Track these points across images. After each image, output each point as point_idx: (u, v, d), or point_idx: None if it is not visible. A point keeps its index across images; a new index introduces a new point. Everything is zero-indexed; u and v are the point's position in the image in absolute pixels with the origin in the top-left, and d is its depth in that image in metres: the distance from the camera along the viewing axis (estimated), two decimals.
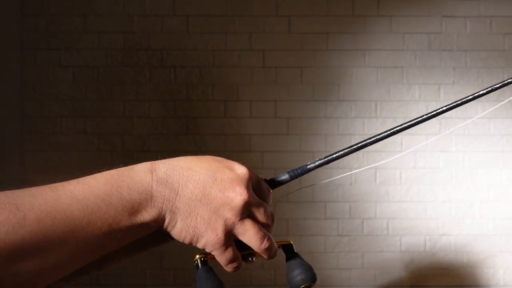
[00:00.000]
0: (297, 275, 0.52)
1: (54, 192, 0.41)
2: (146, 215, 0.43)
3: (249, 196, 0.45)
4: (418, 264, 2.34)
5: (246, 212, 0.46)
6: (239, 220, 0.45)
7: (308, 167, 0.56)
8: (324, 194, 2.34)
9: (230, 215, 0.45)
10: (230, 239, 0.46)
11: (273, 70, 2.34)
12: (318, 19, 2.34)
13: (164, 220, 0.44)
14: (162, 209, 0.44)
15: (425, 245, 2.35)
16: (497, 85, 0.60)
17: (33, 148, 2.32)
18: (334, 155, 0.57)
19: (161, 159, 0.49)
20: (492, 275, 2.34)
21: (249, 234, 0.46)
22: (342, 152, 0.58)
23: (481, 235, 2.34)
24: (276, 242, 0.51)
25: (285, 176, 0.55)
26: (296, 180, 0.57)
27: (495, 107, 0.66)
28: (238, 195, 0.45)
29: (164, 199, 0.44)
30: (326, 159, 0.57)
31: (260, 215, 0.47)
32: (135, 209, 0.42)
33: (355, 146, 0.57)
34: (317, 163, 0.56)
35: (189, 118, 2.34)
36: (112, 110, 2.33)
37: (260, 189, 0.50)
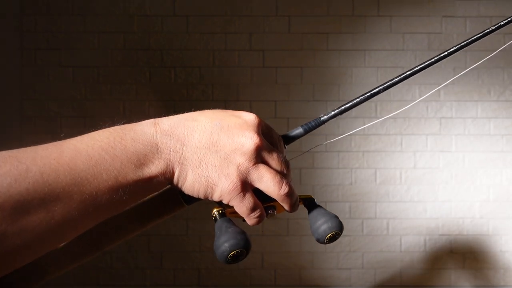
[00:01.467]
0: (322, 223, 0.49)
1: (57, 146, 0.40)
2: (153, 168, 0.41)
3: (260, 140, 0.43)
4: (418, 264, 2.35)
5: (259, 157, 0.43)
6: (253, 165, 0.43)
7: (322, 119, 0.54)
8: (324, 194, 2.34)
9: (242, 160, 0.43)
10: (247, 185, 0.43)
11: (273, 70, 2.34)
12: (318, 19, 2.34)
13: (173, 173, 0.42)
14: (169, 161, 0.42)
15: (425, 245, 2.35)
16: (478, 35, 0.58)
17: None
18: (347, 105, 0.54)
19: None
20: (492, 275, 2.34)
21: (265, 180, 0.43)
22: (355, 101, 0.54)
23: (481, 235, 2.34)
24: (300, 197, 0.48)
25: (298, 130, 0.53)
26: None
27: (436, 89, 0.65)
28: (249, 139, 0.43)
29: (170, 150, 0.42)
30: (340, 109, 0.54)
31: (273, 161, 0.45)
32: (141, 161, 0.41)
33: (367, 94, 0.55)
34: (331, 114, 0.53)
35: None
36: (112, 110, 2.34)
37: (271, 137, 0.47)
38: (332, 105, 2.34)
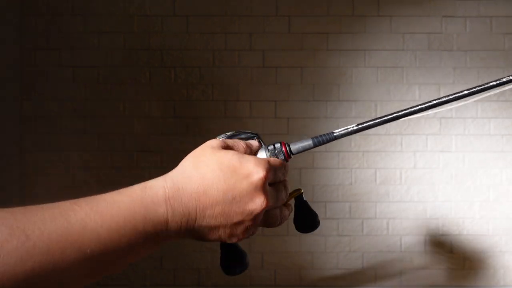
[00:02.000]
0: (306, 219, 0.56)
1: (64, 217, 0.39)
2: (163, 240, 0.44)
3: (267, 201, 0.47)
4: (418, 264, 2.34)
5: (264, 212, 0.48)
6: (257, 222, 0.49)
7: (334, 134, 0.54)
8: (324, 194, 2.34)
9: (250, 223, 0.48)
10: (256, 222, 0.48)
11: (273, 70, 2.34)
12: (318, 19, 2.34)
13: (185, 235, 0.46)
14: (180, 232, 0.44)
15: (425, 245, 2.34)
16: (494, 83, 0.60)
17: (33, 148, 2.32)
18: (364, 124, 0.55)
19: (170, 172, 0.48)
20: (492, 275, 2.34)
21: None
22: (373, 122, 0.55)
23: (481, 235, 2.34)
24: (290, 195, 0.54)
25: (308, 142, 0.54)
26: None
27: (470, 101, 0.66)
28: (258, 206, 0.46)
29: (181, 227, 0.44)
30: (357, 128, 0.54)
31: (277, 204, 0.51)
32: (150, 239, 0.42)
33: (388, 117, 0.55)
34: (344, 131, 0.54)
35: (189, 118, 2.34)
36: (112, 110, 2.33)
37: (277, 176, 0.50)
38: (332, 105, 2.34)
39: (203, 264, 2.33)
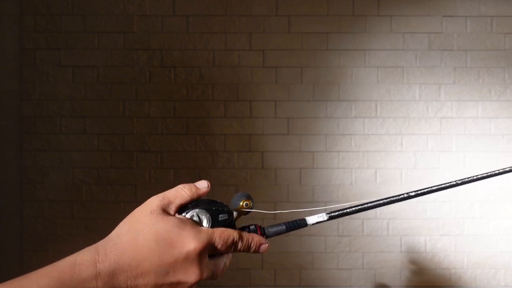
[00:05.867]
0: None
1: None
2: None
3: (200, 276, 0.47)
4: (418, 264, 2.34)
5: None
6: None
7: (308, 222, 0.57)
8: (324, 194, 2.34)
9: None
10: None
11: (273, 70, 2.34)
12: (318, 19, 2.34)
13: None
14: None
15: (425, 245, 2.34)
16: None
17: (33, 148, 2.32)
18: (337, 213, 0.58)
19: (104, 239, 0.47)
20: (492, 275, 2.34)
21: None
22: (346, 211, 0.58)
23: (481, 235, 2.34)
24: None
25: (281, 227, 0.56)
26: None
27: None
28: (192, 279, 0.46)
29: None
30: (329, 215, 0.58)
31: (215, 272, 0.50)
32: None
33: (362, 206, 0.59)
34: (318, 220, 0.57)
35: (189, 118, 2.34)
36: (112, 110, 2.33)
37: (219, 250, 0.49)
38: (332, 105, 2.34)
39: None
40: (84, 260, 0.43)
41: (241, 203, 0.54)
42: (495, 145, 2.33)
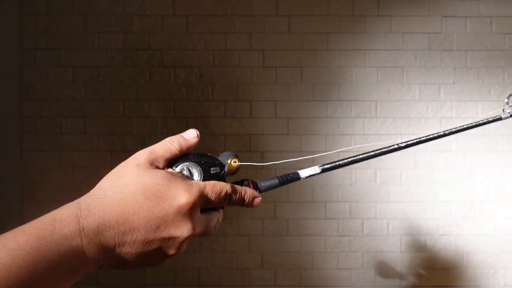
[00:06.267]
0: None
1: None
2: (83, 270, 0.40)
3: (193, 231, 0.44)
4: (418, 264, 2.34)
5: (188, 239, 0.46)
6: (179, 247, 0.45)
7: (300, 175, 0.56)
8: (324, 194, 2.34)
9: (173, 250, 0.45)
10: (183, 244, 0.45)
11: (273, 70, 2.34)
12: (318, 19, 2.34)
13: (105, 264, 0.42)
14: (99, 261, 0.40)
15: (425, 245, 2.34)
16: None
17: (33, 148, 2.32)
18: (329, 165, 0.57)
19: (86, 195, 0.43)
20: (492, 275, 2.34)
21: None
22: (337, 163, 0.58)
23: (481, 235, 2.34)
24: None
25: (274, 181, 0.55)
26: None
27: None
28: (184, 233, 0.44)
29: (99, 257, 0.40)
30: (321, 168, 0.57)
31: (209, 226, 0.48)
32: (67, 274, 0.38)
33: (351, 159, 0.58)
34: (309, 173, 0.56)
35: (189, 118, 2.34)
36: (112, 110, 2.33)
37: (212, 203, 0.47)
38: (332, 105, 2.34)
39: (203, 264, 2.33)
40: (64, 215, 0.40)
41: (229, 161, 0.52)
42: (495, 145, 2.34)
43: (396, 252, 2.34)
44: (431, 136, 0.60)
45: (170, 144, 0.49)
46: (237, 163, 0.53)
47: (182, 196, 0.43)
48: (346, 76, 2.35)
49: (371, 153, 0.58)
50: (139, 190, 0.42)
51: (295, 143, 2.32)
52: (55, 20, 2.32)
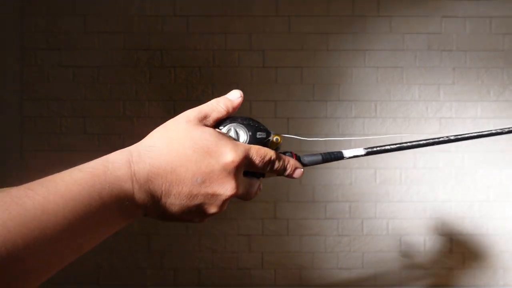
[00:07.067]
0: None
1: (19, 204, 0.34)
2: (130, 215, 0.41)
3: (237, 190, 0.45)
4: (418, 264, 2.35)
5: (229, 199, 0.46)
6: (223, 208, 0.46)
7: (344, 155, 0.54)
8: (324, 194, 2.34)
9: (215, 208, 0.45)
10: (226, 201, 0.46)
11: (273, 70, 2.34)
12: (318, 19, 2.34)
13: (151, 212, 0.43)
14: (146, 208, 0.42)
15: (425, 245, 2.35)
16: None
17: (33, 148, 2.32)
18: (376, 149, 0.54)
19: (138, 143, 0.44)
20: (492, 275, 2.34)
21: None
22: (385, 148, 0.54)
23: (481, 235, 2.34)
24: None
25: (317, 157, 0.54)
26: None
27: None
28: (228, 192, 0.44)
29: (147, 203, 0.41)
30: (367, 151, 0.54)
31: (251, 191, 0.48)
32: (117, 216, 0.40)
33: (400, 145, 0.54)
34: (353, 154, 0.54)
35: None
36: (112, 110, 2.34)
37: (256, 167, 0.47)
38: (332, 105, 2.35)
39: (203, 264, 2.33)
40: (117, 159, 0.41)
41: (271, 137, 0.52)
42: (494, 145, 2.34)
43: (396, 252, 2.35)
44: (481, 134, 0.57)
45: (217, 105, 0.50)
46: (279, 140, 0.53)
47: (229, 154, 0.44)
48: (346, 76, 2.35)
49: (421, 142, 0.55)
50: (187, 143, 0.43)
51: (295, 143, 2.33)
52: (55, 20, 2.32)
